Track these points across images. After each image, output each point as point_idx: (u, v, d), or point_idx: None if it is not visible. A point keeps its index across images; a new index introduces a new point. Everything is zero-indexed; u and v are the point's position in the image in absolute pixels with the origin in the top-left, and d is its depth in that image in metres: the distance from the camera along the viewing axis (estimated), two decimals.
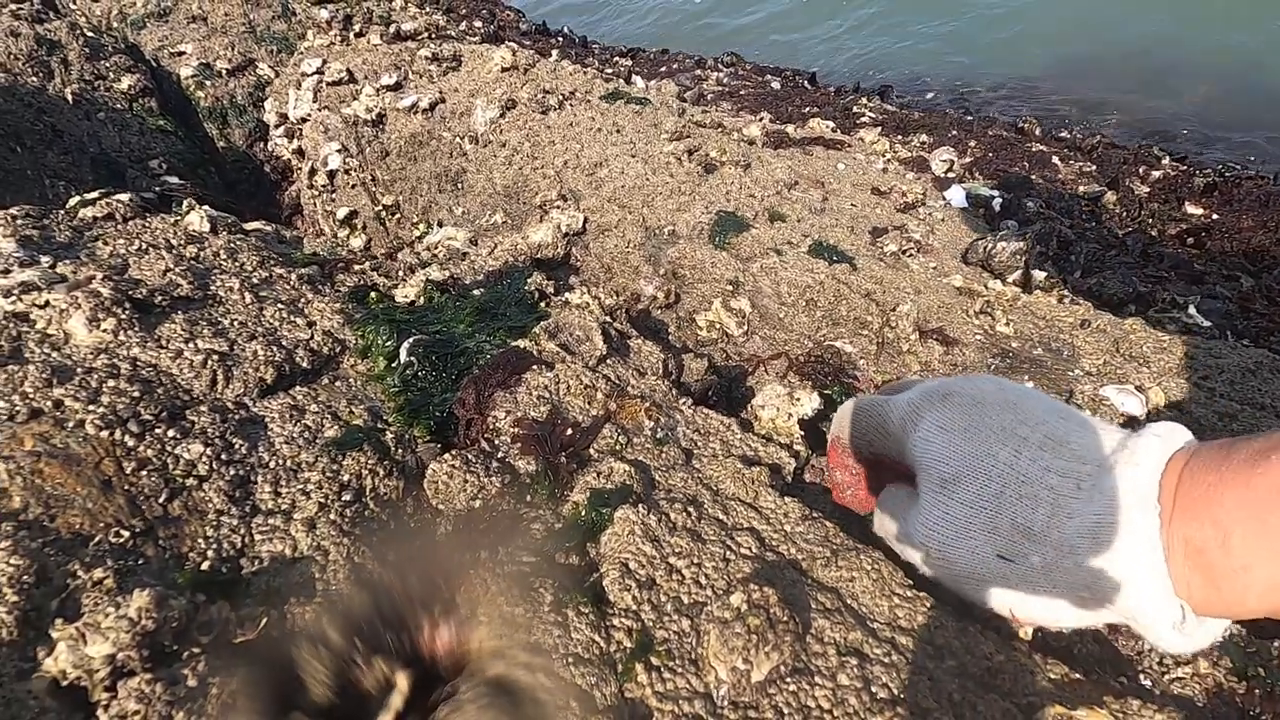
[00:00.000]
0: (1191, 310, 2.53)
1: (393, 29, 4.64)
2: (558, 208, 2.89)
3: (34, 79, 3.97)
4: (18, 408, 1.26)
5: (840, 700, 0.97)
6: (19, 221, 1.98)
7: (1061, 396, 2.05)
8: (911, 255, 2.68)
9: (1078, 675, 1.14)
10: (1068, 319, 2.35)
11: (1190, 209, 4.36)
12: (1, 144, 3.37)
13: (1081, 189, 4.37)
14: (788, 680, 0.97)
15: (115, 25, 5.49)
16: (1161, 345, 2.19)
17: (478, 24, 7.09)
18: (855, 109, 5.56)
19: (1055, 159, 4.75)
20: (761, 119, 4.44)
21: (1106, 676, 1.28)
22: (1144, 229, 4.07)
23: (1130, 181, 4.66)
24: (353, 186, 3.83)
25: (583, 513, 1.27)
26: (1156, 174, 4.79)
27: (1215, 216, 4.29)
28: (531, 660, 0.94)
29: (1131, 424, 1.91)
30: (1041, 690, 1.07)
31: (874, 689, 1.00)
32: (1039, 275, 2.66)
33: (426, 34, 4.66)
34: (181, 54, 5.03)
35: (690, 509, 1.28)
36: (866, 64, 10.45)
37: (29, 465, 1.16)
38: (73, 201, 2.21)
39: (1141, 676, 1.31)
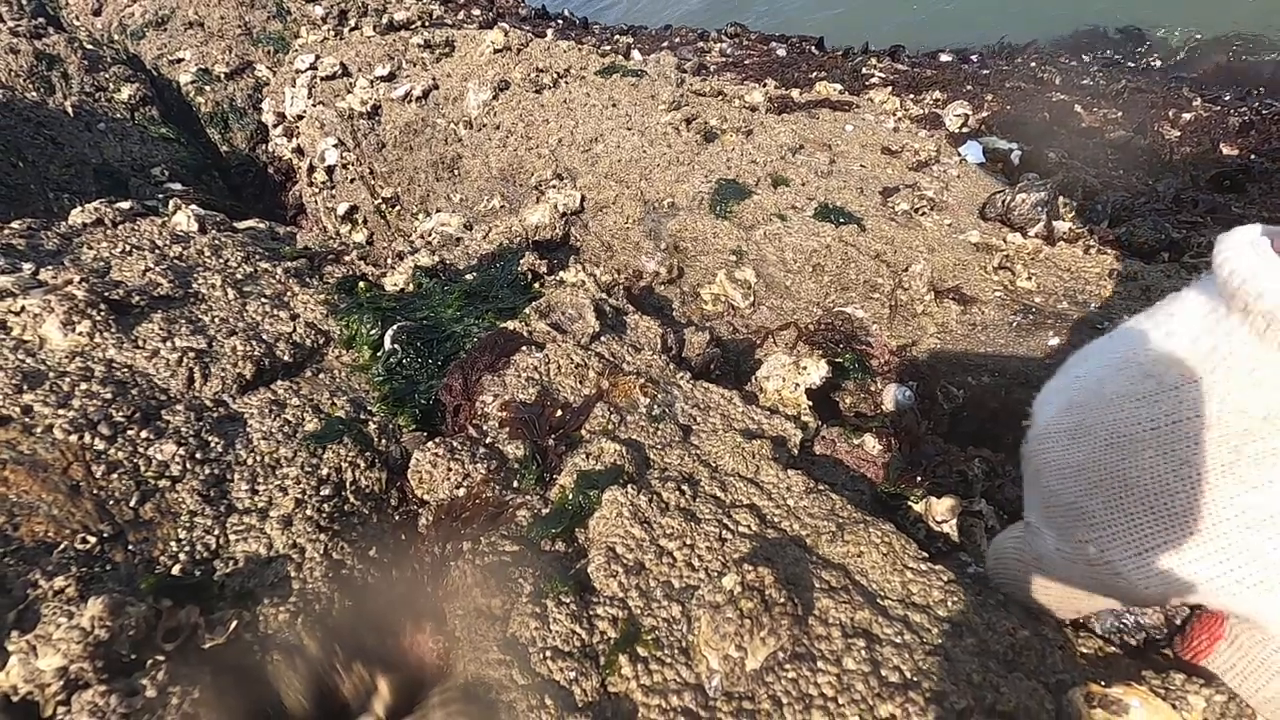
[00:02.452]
0: None
1: (385, 19, 4.58)
2: (554, 187, 2.81)
3: (34, 93, 3.99)
4: None
5: (846, 686, 0.89)
6: (5, 232, 1.96)
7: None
8: (924, 213, 2.54)
9: (1113, 649, 1.04)
10: (1094, 270, 2.21)
11: (1226, 150, 4.12)
12: (3, 159, 3.38)
13: (1107, 136, 4.16)
14: (786, 667, 0.89)
15: (116, 37, 5.51)
16: None
17: (476, 12, 7.00)
18: (864, 70, 5.36)
19: (1078, 107, 4.52)
20: (765, 85, 4.29)
21: (1147, 649, 1.18)
22: (1175, 174, 3.85)
23: (1159, 126, 4.42)
24: (351, 181, 3.78)
25: (569, 496, 1.20)
26: (1187, 116, 4.54)
27: (1253, 157, 4.05)
28: (505, 656, 0.87)
29: None
30: (1073, 667, 0.97)
31: (884, 672, 0.91)
32: (1062, 226, 2.51)
33: (419, 21, 4.59)
34: (180, 61, 5.03)
35: (685, 487, 1.20)
36: (876, 29, 10.15)
37: None
38: (74, 213, 2.19)
39: None
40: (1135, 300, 2.04)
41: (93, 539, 1.09)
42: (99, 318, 1.50)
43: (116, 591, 0.98)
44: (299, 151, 4.07)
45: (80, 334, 1.47)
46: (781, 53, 6.15)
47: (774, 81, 4.77)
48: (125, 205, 2.24)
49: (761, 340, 2.25)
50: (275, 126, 4.22)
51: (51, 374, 1.34)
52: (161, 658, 0.93)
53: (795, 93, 3.97)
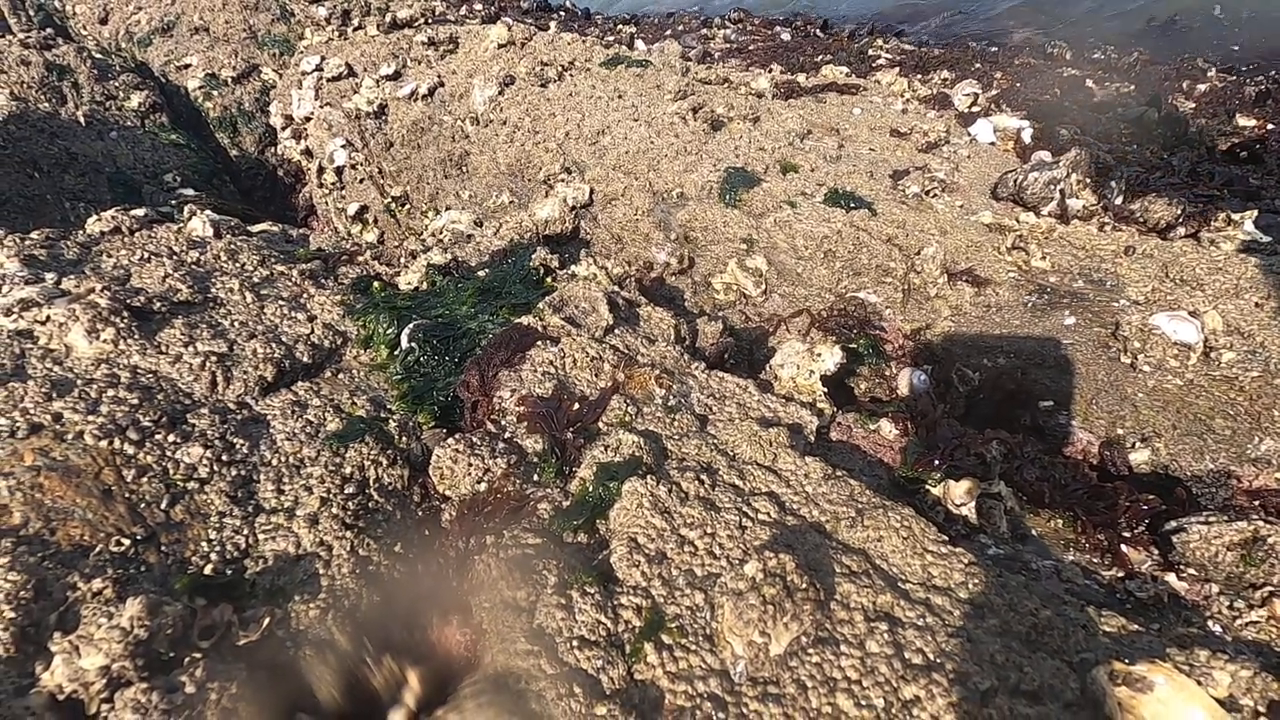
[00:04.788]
0: (1249, 225, 2.32)
1: (389, 18, 4.58)
2: (562, 181, 2.81)
3: (46, 104, 4.03)
4: (18, 424, 1.25)
5: (870, 669, 0.89)
6: (26, 242, 1.99)
7: (1107, 329, 1.91)
8: (936, 195, 2.53)
9: (1136, 626, 1.04)
10: (1110, 247, 2.19)
11: (1242, 121, 4.06)
12: (19, 171, 3.43)
13: (1120, 110, 4.10)
14: (810, 651, 0.90)
15: (124, 45, 5.55)
16: (1216, 266, 2.02)
17: (478, 6, 6.99)
18: (871, 51, 5.32)
19: (1089, 82, 4.46)
20: (771, 71, 4.26)
21: (1171, 624, 1.18)
22: (1191, 146, 3.80)
23: (1173, 98, 4.35)
24: (361, 181, 3.81)
25: (590, 488, 1.21)
26: (1202, 87, 4.47)
27: (1270, 127, 3.99)
28: (532, 647, 0.89)
29: (1188, 351, 1.76)
30: (1096, 645, 0.98)
31: (907, 655, 0.92)
32: (1076, 204, 2.49)
33: (423, 19, 4.58)
34: (187, 66, 5.06)
35: (703, 477, 1.21)
36: (883, 5, 10.02)
37: (29, 480, 1.15)
38: (90, 221, 2.22)
39: (1210, 622, 1.20)
40: (1152, 277, 2.03)
41: (126, 541, 1.11)
42: (122, 325, 1.52)
43: (152, 592, 1.01)
44: (308, 153, 4.10)
45: (105, 341, 1.50)
46: (786, 36, 6.10)
47: (779, 66, 4.74)
48: (140, 212, 2.27)
49: (774, 328, 2.25)
50: (283, 129, 4.25)
51: (79, 381, 1.37)
52: (198, 655, 0.96)
53: (801, 77, 3.94)
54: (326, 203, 3.96)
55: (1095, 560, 1.36)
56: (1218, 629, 1.18)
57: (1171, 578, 1.28)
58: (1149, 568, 1.31)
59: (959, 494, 1.41)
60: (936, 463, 1.56)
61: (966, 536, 1.37)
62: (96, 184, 3.78)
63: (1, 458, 1.18)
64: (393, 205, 3.72)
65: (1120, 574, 1.31)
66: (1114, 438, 1.78)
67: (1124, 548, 1.35)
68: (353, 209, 3.77)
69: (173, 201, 3.91)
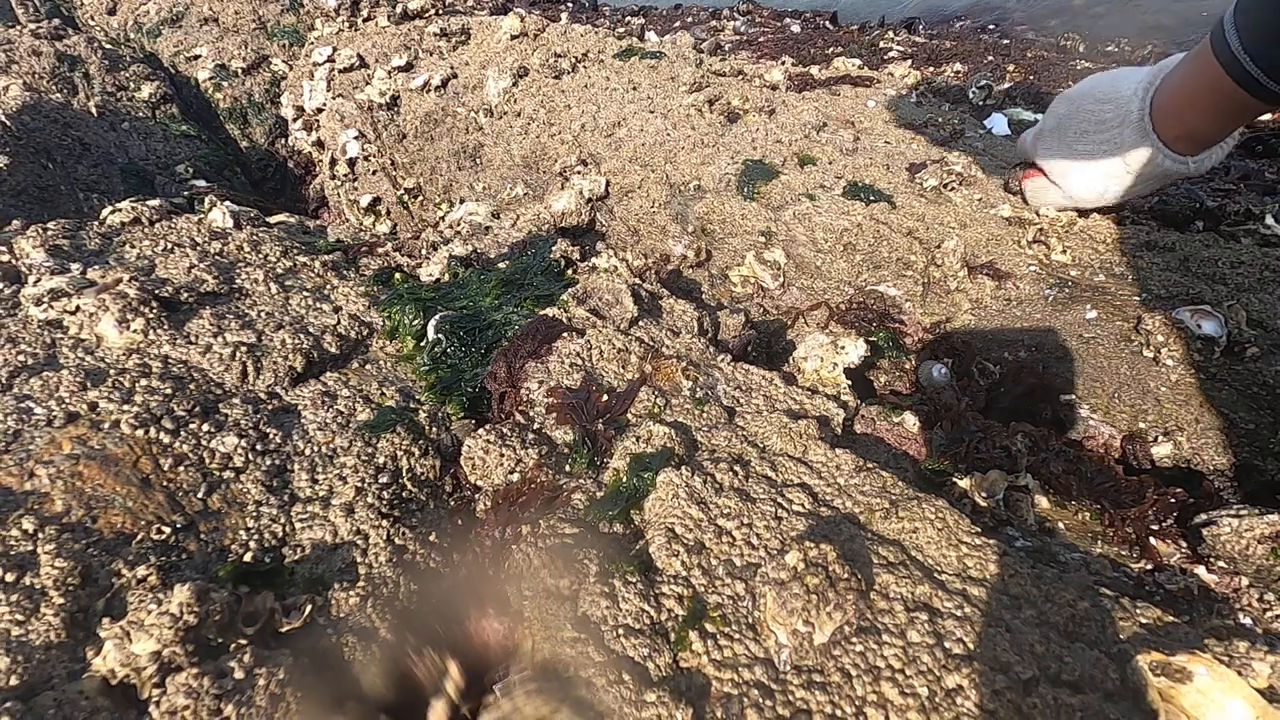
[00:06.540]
0: (1269, 220, 2.32)
1: (399, 8, 4.56)
2: (578, 173, 2.81)
3: (58, 95, 4.03)
4: (54, 413, 1.26)
5: (912, 658, 0.90)
6: (49, 233, 2.00)
7: (1129, 323, 1.91)
8: (954, 188, 2.52)
9: (1171, 618, 1.05)
10: (1130, 240, 2.18)
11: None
12: (33, 161, 3.43)
13: None
14: (854, 640, 0.91)
15: (132, 36, 5.54)
16: (1238, 260, 2.01)
17: None
18: (882, 44, 5.29)
19: None
20: (783, 63, 4.24)
21: (1202, 617, 1.19)
22: None
23: None
24: (373, 173, 3.80)
25: (624, 479, 1.22)
26: None
27: None
28: (579, 634, 0.89)
29: (1211, 345, 1.76)
30: (1134, 636, 0.98)
31: (948, 644, 0.93)
32: None
33: (433, 10, 4.57)
34: (197, 57, 5.06)
35: (736, 468, 1.22)
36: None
37: (68, 468, 1.16)
38: (105, 212, 2.22)
39: (1241, 615, 1.21)
40: (1174, 270, 2.02)
41: (167, 529, 1.12)
42: (151, 315, 1.53)
43: (197, 579, 1.02)
44: (319, 145, 4.09)
45: (135, 331, 1.50)
46: (796, 29, 6.08)
47: (790, 59, 4.72)
48: (156, 203, 2.27)
49: (792, 321, 2.25)
50: (294, 120, 4.24)
51: (112, 371, 1.38)
52: (244, 642, 0.97)
53: (814, 69, 3.92)
54: (338, 194, 3.95)
55: (1123, 553, 1.36)
56: (1248, 621, 1.19)
57: (1201, 570, 1.29)
58: (1178, 560, 1.32)
59: (986, 486, 1.42)
60: (963, 454, 1.57)
61: (994, 529, 1.38)
62: (109, 175, 3.78)
63: (41, 446, 1.19)
64: (405, 197, 3.72)
65: (1149, 566, 1.31)
66: (1136, 431, 1.78)
67: (1153, 540, 1.35)
68: (365, 201, 3.77)
69: (185, 193, 3.91)
